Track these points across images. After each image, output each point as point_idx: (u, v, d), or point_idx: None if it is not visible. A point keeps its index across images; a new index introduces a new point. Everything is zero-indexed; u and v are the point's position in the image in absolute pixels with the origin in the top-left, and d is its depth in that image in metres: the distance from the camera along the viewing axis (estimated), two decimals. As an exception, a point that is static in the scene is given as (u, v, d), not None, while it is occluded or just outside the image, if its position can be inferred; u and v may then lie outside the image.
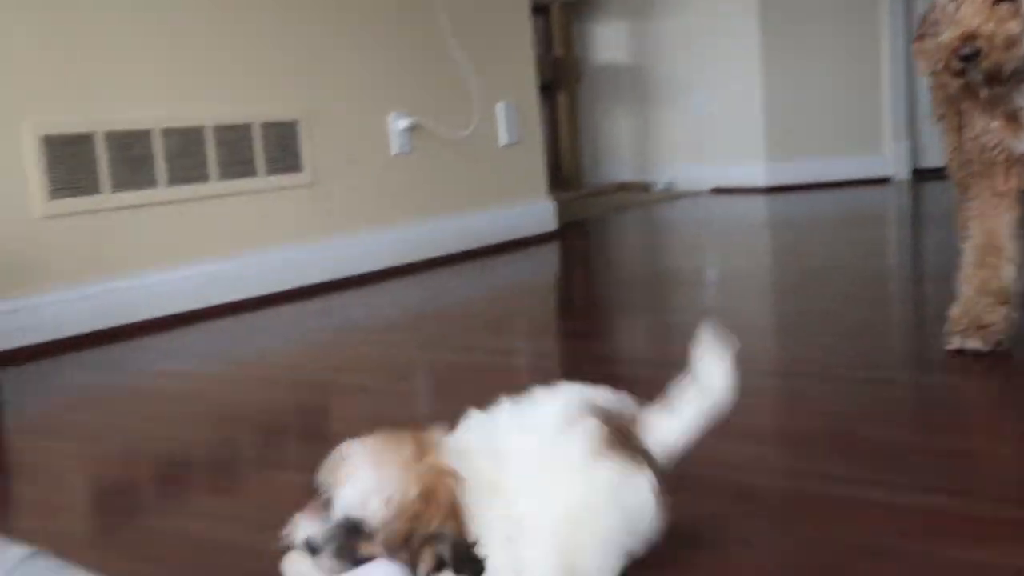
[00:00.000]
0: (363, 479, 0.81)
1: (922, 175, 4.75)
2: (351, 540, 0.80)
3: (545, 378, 1.07)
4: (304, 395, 1.78)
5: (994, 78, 1.41)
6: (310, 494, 0.85)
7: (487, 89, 3.33)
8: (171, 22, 2.44)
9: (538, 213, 3.51)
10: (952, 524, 0.98)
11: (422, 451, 0.84)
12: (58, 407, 1.80)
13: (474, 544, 0.81)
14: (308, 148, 2.77)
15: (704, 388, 0.91)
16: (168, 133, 2.43)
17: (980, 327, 1.58)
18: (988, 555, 0.90)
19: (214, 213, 2.54)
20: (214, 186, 2.53)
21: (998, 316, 1.58)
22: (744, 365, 1.01)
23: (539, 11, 3.67)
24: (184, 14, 2.46)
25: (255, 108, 2.64)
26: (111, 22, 2.32)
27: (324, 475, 0.83)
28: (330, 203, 2.87)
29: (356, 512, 0.80)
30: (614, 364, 1.94)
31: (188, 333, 2.31)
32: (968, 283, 1.62)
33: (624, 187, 4.85)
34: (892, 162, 4.60)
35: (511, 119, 3.43)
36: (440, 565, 0.81)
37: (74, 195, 2.26)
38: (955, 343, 1.59)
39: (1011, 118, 1.55)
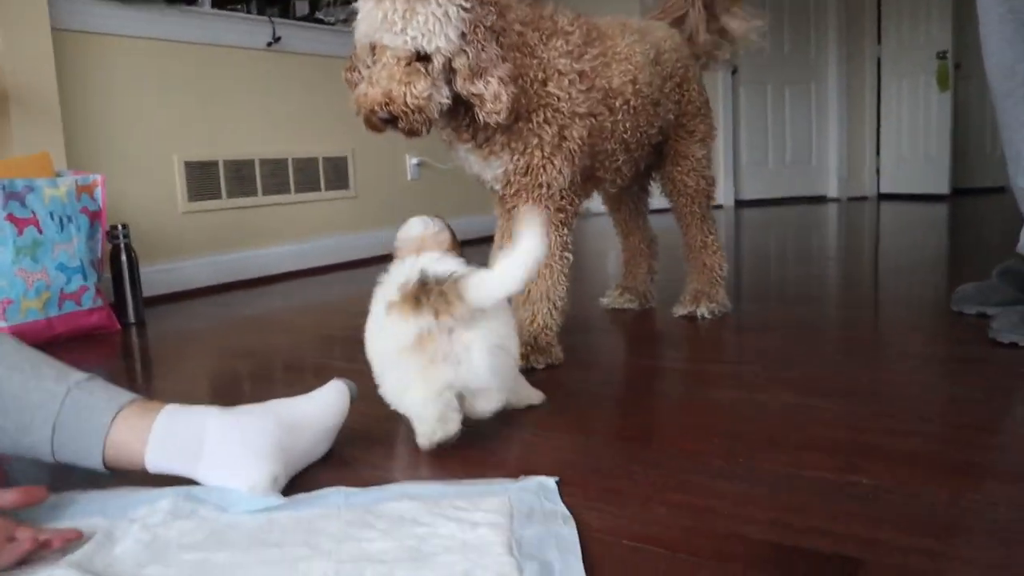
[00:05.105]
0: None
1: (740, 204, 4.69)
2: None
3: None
4: (349, 321, 1.91)
5: (413, 134, 1.22)
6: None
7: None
8: (268, 90, 2.78)
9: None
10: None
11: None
12: (189, 328, 1.98)
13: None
14: (353, 174, 3.14)
15: (520, 252, 0.88)
16: (264, 162, 2.78)
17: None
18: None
19: (292, 213, 2.90)
20: (292, 196, 2.90)
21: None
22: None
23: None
24: (276, 84, 2.81)
25: (320, 147, 3.00)
26: (229, 89, 2.64)
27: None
28: (366, 209, 3.21)
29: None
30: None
31: (271, 289, 2.55)
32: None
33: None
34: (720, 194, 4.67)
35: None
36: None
37: (203, 199, 2.58)
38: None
39: (467, 140, 1.34)
